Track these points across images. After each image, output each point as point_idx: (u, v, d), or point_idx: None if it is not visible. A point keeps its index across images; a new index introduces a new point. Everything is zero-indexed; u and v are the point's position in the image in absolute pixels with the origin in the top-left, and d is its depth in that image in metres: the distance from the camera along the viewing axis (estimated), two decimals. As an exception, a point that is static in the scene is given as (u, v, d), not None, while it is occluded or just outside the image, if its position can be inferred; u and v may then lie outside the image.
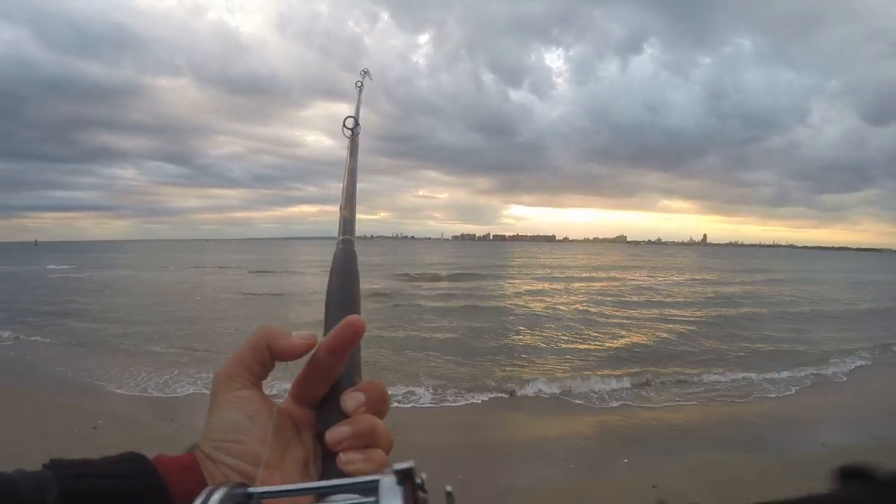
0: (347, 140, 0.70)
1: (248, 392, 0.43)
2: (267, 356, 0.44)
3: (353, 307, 0.49)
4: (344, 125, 0.70)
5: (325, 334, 0.44)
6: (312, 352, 0.43)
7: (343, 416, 0.42)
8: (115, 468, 0.37)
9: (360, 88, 0.83)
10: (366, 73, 0.89)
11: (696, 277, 31.98)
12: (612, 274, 34.01)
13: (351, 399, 0.43)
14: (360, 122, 0.72)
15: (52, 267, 37.67)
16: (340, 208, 0.60)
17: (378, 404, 0.44)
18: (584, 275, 32.58)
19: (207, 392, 0.44)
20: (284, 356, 0.44)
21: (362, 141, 0.72)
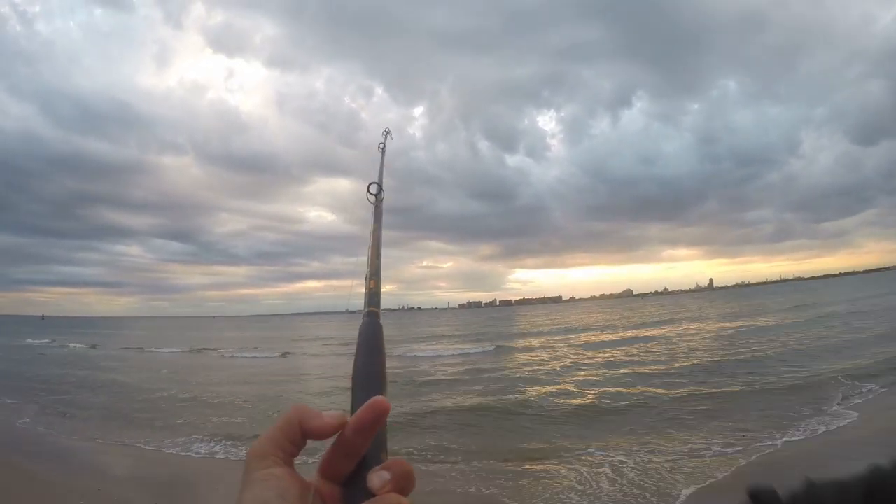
0: (371, 206, 0.68)
1: (279, 470, 0.43)
2: (298, 435, 0.44)
3: (379, 384, 0.50)
4: (368, 191, 0.69)
5: (352, 411, 0.45)
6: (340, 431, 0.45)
7: (369, 494, 0.43)
8: None
9: (383, 150, 0.81)
10: (387, 132, 0.86)
11: (753, 323, 28.03)
12: (652, 332, 30.13)
13: (377, 478, 0.43)
14: (384, 186, 0.70)
15: (29, 341, 39.62)
16: (366, 278, 0.60)
17: (403, 482, 0.44)
18: (622, 335, 28.70)
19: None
20: (316, 435, 0.44)
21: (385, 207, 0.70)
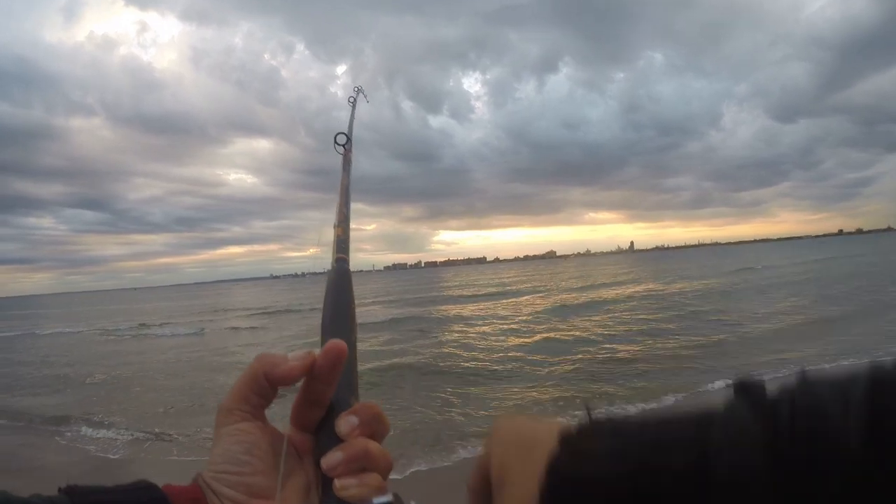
0: (340, 157, 0.71)
1: (247, 424, 0.43)
2: (265, 385, 0.43)
3: (347, 328, 0.49)
4: (335, 141, 0.71)
5: None
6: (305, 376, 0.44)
7: (339, 440, 0.42)
8: (128, 496, 0.38)
9: (353, 104, 0.86)
10: (359, 89, 0.90)
11: (708, 284, 26.98)
12: (629, 289, 28.49)
13: (345, 423, 0.43)
14: (353, 138, 0.74)
15: None
16: (334, 226, 0.62)
17: (373, 426, 0.44)
18: (577, 298, 26.77)
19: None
20: (284, 381, 0.43)
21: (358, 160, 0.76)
